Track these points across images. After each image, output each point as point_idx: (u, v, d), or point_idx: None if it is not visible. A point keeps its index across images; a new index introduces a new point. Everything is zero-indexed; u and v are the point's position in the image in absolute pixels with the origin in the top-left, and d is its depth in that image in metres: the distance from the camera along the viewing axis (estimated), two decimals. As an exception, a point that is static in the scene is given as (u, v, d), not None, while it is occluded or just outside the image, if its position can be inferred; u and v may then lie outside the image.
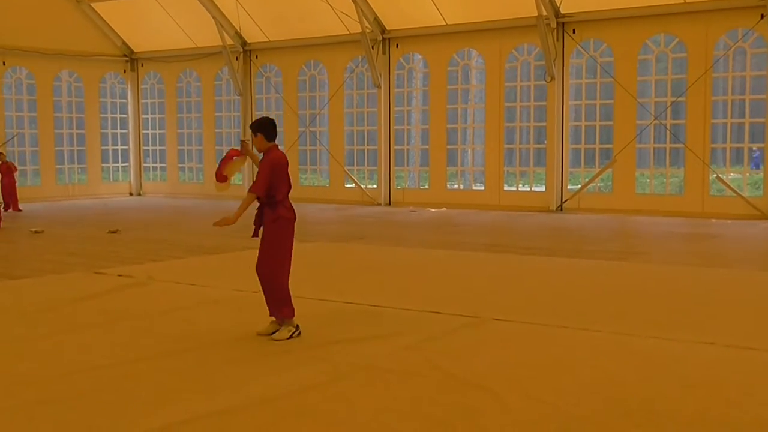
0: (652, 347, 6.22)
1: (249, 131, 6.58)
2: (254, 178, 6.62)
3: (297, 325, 6.53)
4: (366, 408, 4.83)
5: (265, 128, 6.59)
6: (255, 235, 6.67)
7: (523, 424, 4.54)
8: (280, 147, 6.76)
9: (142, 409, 4.80)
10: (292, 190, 6.67)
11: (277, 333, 6.48)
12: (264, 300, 6.65)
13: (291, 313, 6.52)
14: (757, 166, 21.90)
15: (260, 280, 6.57)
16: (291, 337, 6.45)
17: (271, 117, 6.81)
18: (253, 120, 6.80)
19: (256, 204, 6.61)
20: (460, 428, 4.46)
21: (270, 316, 6.63)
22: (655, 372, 5.55)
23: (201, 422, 4.57)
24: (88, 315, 7.49)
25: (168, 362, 5.90)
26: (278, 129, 22.13)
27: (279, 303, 6.51)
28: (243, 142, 6.96)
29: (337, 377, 5.42)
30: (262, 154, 6.66)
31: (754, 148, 19.60)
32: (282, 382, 5.32)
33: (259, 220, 6.63)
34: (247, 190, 6.62)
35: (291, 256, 6.64)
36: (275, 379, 5.39)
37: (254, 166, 6.83)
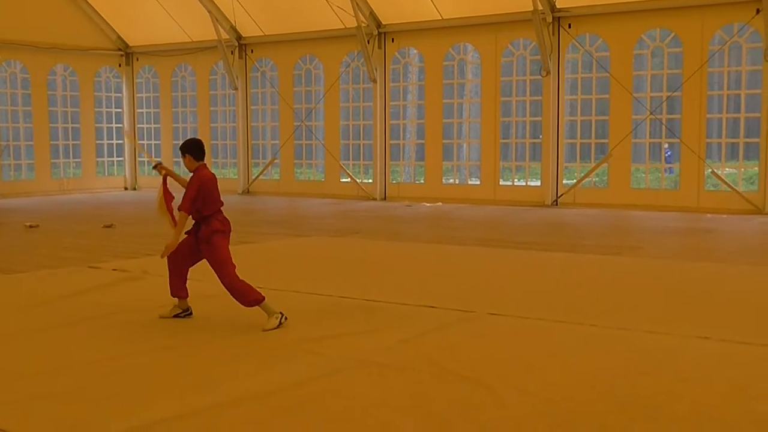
0: (647, 342, 6.23)
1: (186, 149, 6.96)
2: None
3: (280, 313, 6.65)
4: (361, 402, 4.84)
5: (192, 149, 6.92)
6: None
7: (518, 419, 4.55)
8: (208, 165, 7.07)
9: (137, 403, 4.80)
10: (224, 205, 6.98)
11: (266, 323, 6.59)
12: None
13: (260, 296, 6.66)
14: (669, 162, 22.23)
15: (228, 290, 6.74)
16: (280, 324, 6.58)
17: (198, 138, 7.20)
18: (186, 140, 7.09)
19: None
20: (455, 422, 4.47)
21: (173, 297, 7.07)
22: (650, 366, 5.56)
23: (196, 417, 4.57)
24: (83, 309, 7.47)
25: (163, 356, 5.89)
26: (274, 123, 22.07)
27: (247, 297, 6.67)
28: (158, 165, 7.33)
29: (332, 371, 5.42)
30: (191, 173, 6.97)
31: (665, 146, 19.84)
32: (277, 376, 5.32)
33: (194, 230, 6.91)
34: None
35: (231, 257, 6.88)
36: (270, 374, 5.39)
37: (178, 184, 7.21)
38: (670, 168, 21.74)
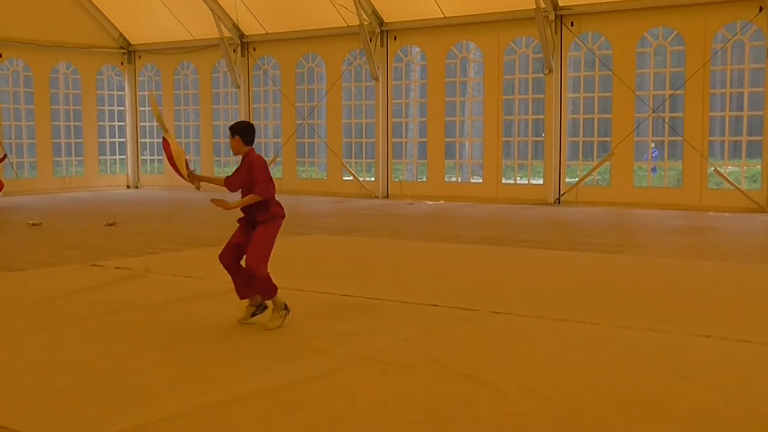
0: (649, 340, 6.22)
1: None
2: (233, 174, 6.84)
3: (284, 304, 6.61)
4: (364, 400, 4.83)
5: (244, 132, 6.69)
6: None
7: (520, 416, 4.54)
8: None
9: (140, 401, 4.80)
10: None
11: (270, 322, 6.55)
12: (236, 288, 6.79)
13: (276, 289, 6.59)
14: (655, 159, 22.14)
15: (251, 271, 6.50)
16: (283, 322, 6.57)
17: (250, 122, 7.02)
18: (237, 121, 6.93)
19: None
20: (457, 420, 4.46)
21: (243, 298, 6.78)
22: (652, 364, 5.56)
23: (199, 414, 4.57)
24: (86, 307, 7.48)
25: (165, 354, 5.89)
26: (276, 121, 21.99)
27: (267, 288, 6.55)
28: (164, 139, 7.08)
29: (335, 369, 5.42)
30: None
31: (653, 145, 19.70)
32: (279, 374, 5.32)
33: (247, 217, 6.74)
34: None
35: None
36: (273, 372, 5.39)
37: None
38: (653, 168, 21.73)
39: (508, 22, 18.57)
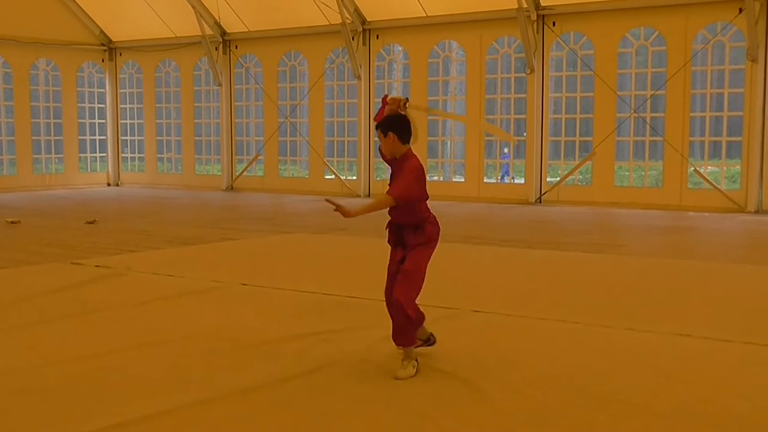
0: (629, 339, 6.25)
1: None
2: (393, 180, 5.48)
3: (416, 360, 5.35)
4: (343, 399, 4.83)
5: (400, 127, 5.29)
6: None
7: (500, 415, 4.55)
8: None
9: (120, 400, 4.77)
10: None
11: (400, 371, 5.23)
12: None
13: (413, 340, 5.40)
14: (506, 173, 22.00)
15: (391, 307, 5.52)
16: (416, 372, 5.25)
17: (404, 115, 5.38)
18: (388, 115, 5.43)
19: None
20: (438, 419, 4.46)
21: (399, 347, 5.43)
22: (632, 363, 5.58)
23: (179, 413, 4.55)
24: (65, 306, 7.42)
25: (145, 353, 5.86)
26: (258, 120, 21.92)
27: (406, 336, 5.36)
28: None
29: (315, 368, 5.41)
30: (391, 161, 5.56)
31: (505, 150, 19.37)
32: (260, 373, 5.31)
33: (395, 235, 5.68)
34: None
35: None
36: (253, 371, 5.37)
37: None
38: (504, 172, 21.77)
39: (491, 22, 18.62)
